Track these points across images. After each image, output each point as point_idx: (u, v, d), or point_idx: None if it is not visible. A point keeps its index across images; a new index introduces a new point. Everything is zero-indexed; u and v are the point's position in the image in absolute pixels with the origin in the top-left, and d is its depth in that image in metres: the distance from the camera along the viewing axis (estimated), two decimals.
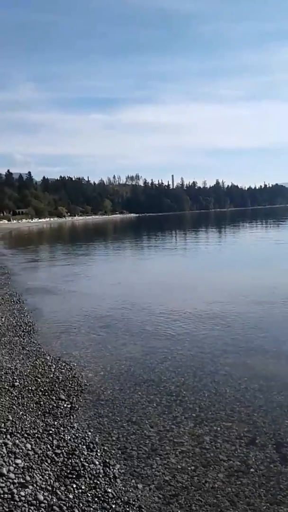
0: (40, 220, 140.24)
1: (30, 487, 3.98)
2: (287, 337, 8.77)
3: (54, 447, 4.77)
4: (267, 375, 6.80)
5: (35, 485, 4.01)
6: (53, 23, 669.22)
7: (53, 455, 4.60)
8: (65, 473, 4.30)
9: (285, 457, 4.62)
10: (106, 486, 4.15)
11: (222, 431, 5.21)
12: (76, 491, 4.01)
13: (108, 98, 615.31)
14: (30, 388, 6.37)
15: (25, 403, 5.87)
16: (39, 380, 6.69)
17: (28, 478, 4.09)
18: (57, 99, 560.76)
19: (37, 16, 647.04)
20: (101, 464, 4.51)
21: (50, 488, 4.01)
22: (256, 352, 7.89)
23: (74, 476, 4.25)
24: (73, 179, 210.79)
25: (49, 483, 4.09)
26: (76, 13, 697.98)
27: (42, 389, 6.35)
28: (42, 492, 3.92)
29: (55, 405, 5.90)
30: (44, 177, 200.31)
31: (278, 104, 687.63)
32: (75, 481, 4.18)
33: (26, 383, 6.54)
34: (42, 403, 5.93)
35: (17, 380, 6.59)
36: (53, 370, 7.14)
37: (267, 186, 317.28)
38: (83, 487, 4.10)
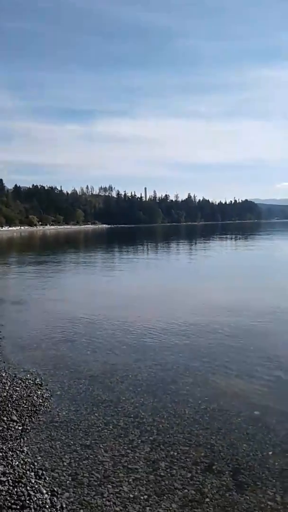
0: (10, 228, 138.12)
1: None
2: (251, 354, 8.65)
3: (0, 474, 4.48)
4: (228, 394, 6.68)
5: None
6: (31, 31, 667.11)
7: None
8: (9, 504, 4.02)
9: (241, 484, 4.46)
10: None
11: (179, 456, 5.03)
12: None
13: (84, 109, 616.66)
14: None
15: None
16: None
17: None
18: (33, 108, 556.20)
19: (14, 24, 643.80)
20: (49, 493, 4.25)
21: None
22: (219, 369, 7.76)
23: (18, 507, 3.98)
24: (46, 188, 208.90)
25: None
26: (54, 22, 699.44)
27: None
28: None
29: (5, 426, 5.61)
30: (16, 185, 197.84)
31: (252, 121, 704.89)
32: None
33: None
34: None
35: None
36: (7, 388, 6.82)
37: (237, 201, 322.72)
38: None
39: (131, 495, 4.30)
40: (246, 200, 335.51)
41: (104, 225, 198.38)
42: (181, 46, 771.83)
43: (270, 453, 5.06)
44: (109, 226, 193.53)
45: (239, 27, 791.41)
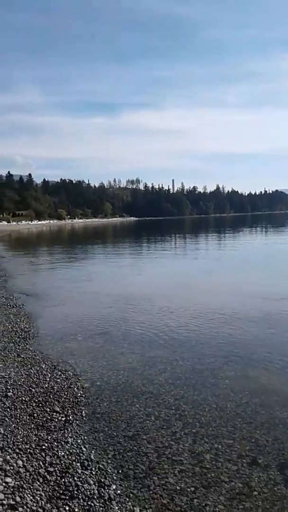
0: (39, 222, 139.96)
1: (20, 509, 3.75)
2: None
3: (47, 465, 4.53)
4: (270, 389, 6.57)
5: (25, 507, 3.78)
6: (58, 26, 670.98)
7: (46, 473, 4.37)
8: (58, 494, 4.06)
9: None
10: (101, 509, 3.92)
11: (224, 449, 4.98)
12: None
13: (110, 102, 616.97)
14: (23, 398, 6.13)
15: (18, 415, 5.63)
16: (33, 390, 6.45)
17: (18, 499, 3.86)
18: (60, 102, 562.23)
19: (42, 19, 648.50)
20: (96, 484, 4.28)
21: (41, 511, 3.77)
22: (258, 364, 7.64)
23: (67, 498, 4.02)
24: (74, 182, 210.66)
25: (40, 504, 3.86)
26: (81, 16, 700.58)
27: (36, 400, 6.11)
28: None
29: (49, 417, 5.67)
30: (44, 179, 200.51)
31: (281, 111, 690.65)
32: (68, 503, 3.95)
33: (19, 393, 6.30)
34: (35, 415, 5.69)
35: (11, 390, 6.35)
36: (48, 379, 6.91)
37: (267, 192, 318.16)
38: (76, 510, 3.86)
39: (178, 487, 4.29)
40: (277, 190, 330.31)
41: (132, 218, 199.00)
42: (208, 36, 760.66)
43: None
44: (137, 218, 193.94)
45: (267, 16, 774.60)
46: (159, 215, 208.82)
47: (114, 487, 4.27)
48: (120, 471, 4.56)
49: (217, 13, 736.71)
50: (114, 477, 4.44)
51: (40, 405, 5.99)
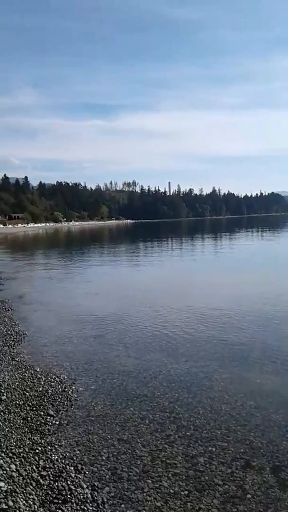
0: (36, 225, 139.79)
1: None
2: (286, 351, 8.51)
3: (40, 469, 4.52)
4: (264, 391, 6.57)
5: None
6: (54, 27, 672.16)
7: (39, 477, 4.35)
8: (51, 498, 4.05)
9: (284, 482, 4.38)
10: None
11: (218, 452, 4.97)
12: None
13: (108, 104, 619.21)
14: (17, 402, 6.11)
15: (11, 418, 5.61)
16: (27, 394, 6.43)
17: (11, 503, 3.84)
18: (57, 104, 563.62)
19: (38, 20, 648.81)
20: (89, 488, 4.26)
21: None
22: (253, 366, 7.65)
23: (60, 502, 4.00)
24: (70, 184, 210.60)
25: (33, 509, 3.84)
26: (78, 17, 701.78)
27: (30, 404, 6.10)
28: None
29: (43, 421, 5.65)
30: (40, 182, 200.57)
31: (277, 112, 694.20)
32: (61, 507, 3.93)
33: (13, 397, 6.28)
34: (29, 419, 5.68)
35: (4, 394, 6.32)
36: (42, 383, 6.88)
37: (263, 194, 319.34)
38: None
39: (172, 490, 4.28)
40: (273, 192, 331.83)
41: (129, 220, 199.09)
42: (206, 37, 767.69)
43: None
44: (134, 221, 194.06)
45: (262, 17, 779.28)
46: (156, 217, 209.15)
47: (107, 489, 4.26)
48: (113, 474, 4.54)
49: (214, 14, 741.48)
50: (108, 480, 4.43)
51: (34, 408, 5.97)
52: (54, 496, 4.08)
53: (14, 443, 4.96)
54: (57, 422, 5.64)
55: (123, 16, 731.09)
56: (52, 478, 4.36)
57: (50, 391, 6.57)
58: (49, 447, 5.00)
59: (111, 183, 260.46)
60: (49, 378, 7.09)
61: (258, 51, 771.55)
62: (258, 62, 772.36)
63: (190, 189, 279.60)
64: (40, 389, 6.64)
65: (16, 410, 5.86)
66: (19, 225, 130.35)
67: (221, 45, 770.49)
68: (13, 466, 4.45)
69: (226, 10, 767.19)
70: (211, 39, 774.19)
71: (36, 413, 5.84)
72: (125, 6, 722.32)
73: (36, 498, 4.00)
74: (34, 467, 4.52)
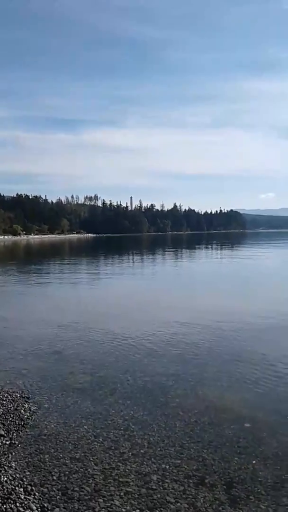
0: None
1: None
2: (241, 365, 8.63)
3: None
4: (218, 407, 6.63)
5: None
6: (20, 40, 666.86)
7: None
8: None
9: (234, 498, 4.41)
10: None
11: (171, 469, 4.96)
12: None
13: (73, 118, 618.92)
14: None
15: None
16: None
17: None
18: (21, 117, 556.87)
19: (3, 33, 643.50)
20: (39, 510, 4.16)
21: None
22: (208, 382, 7.71)
23: None
24: (30, 197, 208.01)
25: None
26: (45, 32, 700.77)
27: None
28: None
29: None
30: (0, 194, 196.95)
31: (240, 133, 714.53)
32: None
33: None
34: None
35: None
36: None
37: (223, 211, 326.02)
38: None
39: (123, 509, 4.22)
40: (232, 210, 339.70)
41: (90, 234, 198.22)
42: (174, 57, 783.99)
43: (262, 466, 5.03)
44: (95, 235, 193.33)
45: (230, 39, 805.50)
46: (117, 232, 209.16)
47: (57, 510, 4.17)
48: (64, 494, 4.45)
49: (180, 35, 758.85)
50: (58, 500, 4.33)
51: None
52: None
53: None
54: (7, 442, 5.49)
55: (91, 32, 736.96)
56: (0, 501, 4.22)
57: (1, 410, 6.40)
58: None
59: (72, 196, 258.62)
60: (0, 397, 6.90)
61: (222, 73, 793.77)
62: (222, 83, 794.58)
63: (151, 205, 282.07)
64: None
65: None
66: None
67: (186, 65, 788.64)
68: None
69: (192, 31, 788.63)
70: (177, 59, 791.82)
71: None
72: (93, 23, 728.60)
73: None
74: None
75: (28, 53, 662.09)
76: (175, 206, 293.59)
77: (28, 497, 4.34)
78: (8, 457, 5.14)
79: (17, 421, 6.06)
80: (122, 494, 4.49)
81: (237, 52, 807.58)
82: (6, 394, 7.01)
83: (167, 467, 5.01)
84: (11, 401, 6.75)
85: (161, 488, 4.61)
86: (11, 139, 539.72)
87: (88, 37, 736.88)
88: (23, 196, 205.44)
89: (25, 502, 4.24)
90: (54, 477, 4.76)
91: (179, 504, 4.34)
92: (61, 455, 5.23)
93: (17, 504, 4.19)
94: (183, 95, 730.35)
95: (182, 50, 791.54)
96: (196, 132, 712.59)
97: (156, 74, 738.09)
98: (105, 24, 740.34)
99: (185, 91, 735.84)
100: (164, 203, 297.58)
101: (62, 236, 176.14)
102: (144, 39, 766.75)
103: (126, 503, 4.33)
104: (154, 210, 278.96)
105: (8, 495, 4.32)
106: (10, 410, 6.40)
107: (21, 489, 4.47)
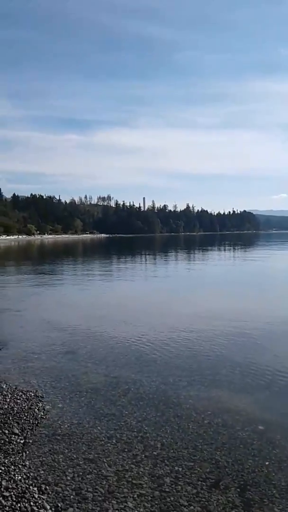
0: (8, 237, 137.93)
1: None
2: (255, 367, 8.58)
3: (2, 489, 4.41)
4: (232, 408, 6.61)
5: None
6: (32, 41, 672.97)
7: (1, 498, 4.25)
8: None
9: (248, 501, 4.39)
10: None
11: (184, 471, 4.96)
12: None
13: (84, 119, 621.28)
14: None
15: None
16: None
17: None
18: (33, 117, 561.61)
19: (15, 33, 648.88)
20: (52, 509, 4.18)
21: None
22: (221, 384, 7.69)
23: None
24: (44, 197, 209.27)
25: None
26: (56, 32, 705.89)
27: None
28: None
29: (7, 440, 5.53)
30: (14, 194, 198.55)
31: (250, 133, 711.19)
32: None
33: None
34: None
35: None
36: (8, 400, 6.75)
37: (236, 212, 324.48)
38: None
39: (136, 511, 4.23)
40: (245, 211, 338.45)
41: (102, 235, 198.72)
42: (183, 58, 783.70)
43: (276, 469, 5.00)
44: (108, 235, 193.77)
45: (240, 40, 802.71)
46: (130, 232, 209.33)
47: (71, 510, 4.19)
48: (78, 494, 4.46)
49: (192, 36, 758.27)
50: (72, 500, 4.35)
51: None
52: None
53: None
54: (22, 441, 5.53)
55: (100, 33, 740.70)
56: (14, 499, 4.26)
57: (16, 408, 6.45)
58: (12, 466, 4.89)
59: (85, 197, 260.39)
60: (15, 396, 6.96)
61: (232, 74, 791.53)
62: (232, 84, 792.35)
63: (164, 205, 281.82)
64: (6, 406, 6.50)
65: None
66: None
67: (198, 66, 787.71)
68: None
69: (201, 32, 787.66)
70: (188, 60, 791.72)
71: (1, 431, 5.71)
72: (105, 24, 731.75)
73: None
74: None
75: (40, 54, 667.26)
76: (188, 206, 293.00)
77: (42, 496, 4.37)
78: (22, 455, 5.18)
79: (31, 420, 6.11)
80: (135, 496, 4.49)
81: (247, 53, 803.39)
82: (20, 393, 7.06)
83: (180, 469, 5.00)
84: (25, 400, 6.80)
85: (174, 490, 4.60)
86: (23, 139, 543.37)
87: (98, 38, 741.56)
88: (37, 196, 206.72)
89: (39, 501, 4.27)
90: (68, 477, 4.78)
91: (192, 507, 4.33)
92: (74, 456, 5.25)
93: (31, 503, 4.22)
94: (193, 96, 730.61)
95: (191, 51, 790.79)
96: (207, 132, 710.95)
97: (166, 74, 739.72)
98: (115, 25, 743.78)
99: (195, 92, 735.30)
100: (176, 203, 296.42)
101: (75, 236, 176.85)
102: (153, 40, 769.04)
103: (139, 505, 4.33)
104: (167, 210, 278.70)
105: (22, 494, 4.35)
106: (24, 409, 6.45)
107: (35, 488, 4.50)
